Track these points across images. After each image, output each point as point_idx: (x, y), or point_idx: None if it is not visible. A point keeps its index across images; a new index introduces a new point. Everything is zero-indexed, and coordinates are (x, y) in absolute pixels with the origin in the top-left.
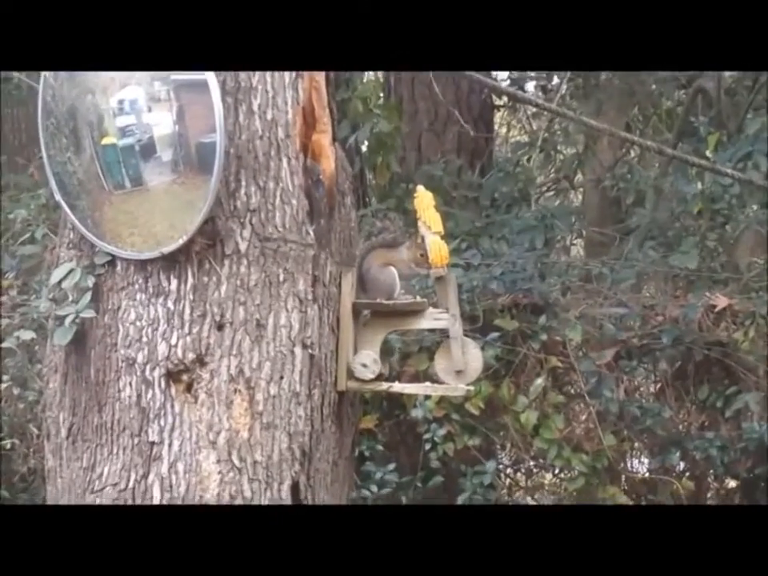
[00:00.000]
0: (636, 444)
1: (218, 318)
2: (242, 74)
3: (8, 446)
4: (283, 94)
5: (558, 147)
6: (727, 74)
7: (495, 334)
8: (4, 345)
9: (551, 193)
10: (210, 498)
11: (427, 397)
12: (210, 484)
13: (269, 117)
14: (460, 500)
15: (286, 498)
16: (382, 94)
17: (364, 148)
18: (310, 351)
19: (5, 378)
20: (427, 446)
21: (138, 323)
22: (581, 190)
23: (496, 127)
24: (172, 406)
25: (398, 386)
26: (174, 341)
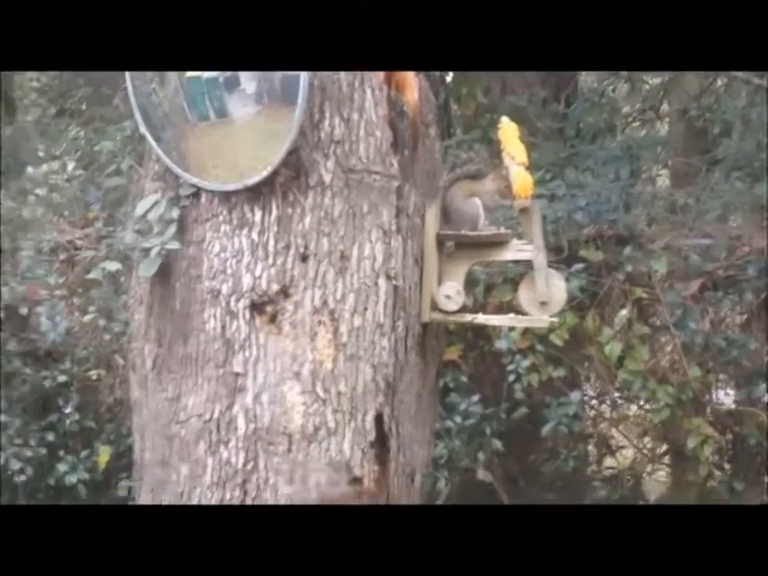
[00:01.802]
0: (721, 376)
1: (302, 250)
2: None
3: (94, 377)
4: None
5: (644, 77)
6: None
7: (580, 265)
8: (90, 276)
9: (637, 123)
10: (294, 428)
11: (511, 328)
12: (294, 415)
13: None
14: (545, 431)
15: (371, 429)
16: None
17: (449, 79)
18: (393, 282)
19: (91, 309)
20: (511, 378)
21: (222, 255)
22: (666, 120)
23: None
24: (256, 338)
25: (481, 318)
26: (258, 272)
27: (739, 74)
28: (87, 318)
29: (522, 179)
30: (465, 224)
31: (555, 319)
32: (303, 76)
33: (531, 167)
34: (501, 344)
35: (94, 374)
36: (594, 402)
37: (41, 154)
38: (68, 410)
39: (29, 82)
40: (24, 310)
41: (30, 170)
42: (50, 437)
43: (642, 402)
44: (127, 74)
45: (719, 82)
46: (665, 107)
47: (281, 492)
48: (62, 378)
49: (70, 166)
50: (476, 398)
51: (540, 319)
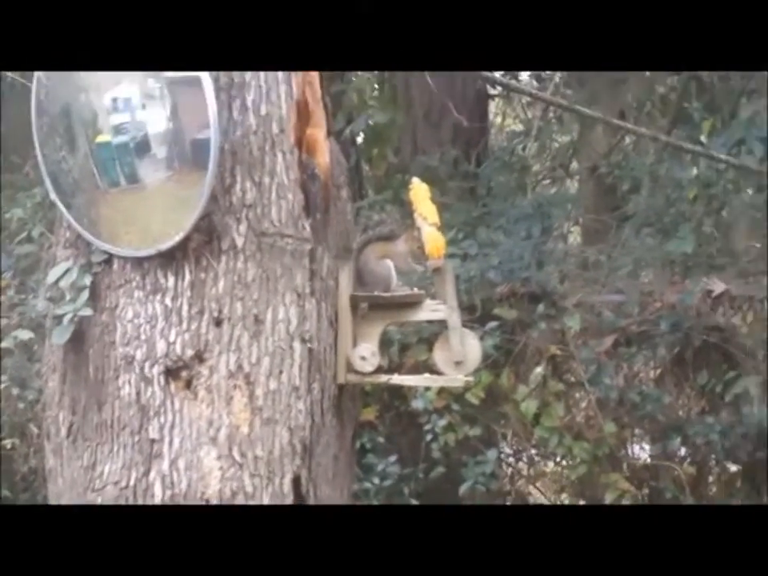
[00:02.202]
0: (637, 430)
1: (216, 314)
2: None
3: (8, 446)
4: (277, 89)
5: (553, 135)
6: None
7: (494, 324)
8: (2, 345)
9: (547, 181)
10: (212, 494)
11: (427, 388)
12: (212, 480)
13: (263, 112)
14: (462, 490)
15: (288, 493)
16: (376, 86)
17: (359, 140)
18: (308, 345)
19: (4, 377)
20: (428, 437)
21: (135, 321)
22: (576, 177)
23: (491, 117)
24: (172, 403)
25: (397, 378)
26: (172, 338)
27: (646, 131)
28: (1, 386)
29: (434, 239)
30: (378, 285)
31: (470, 378)
32: (213, 140)
33: (443, 227)
34: (417, 404)
35: (8, 443)
36: (510, 459)
37: None
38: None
39: None
40: None
41: None
42: None
43: (558, 459)
44: (36, 141)
45: (627, 140)
46: (574, 165)
47: None
48: None
49: None
50: (393, 458)
51: (455, 378)
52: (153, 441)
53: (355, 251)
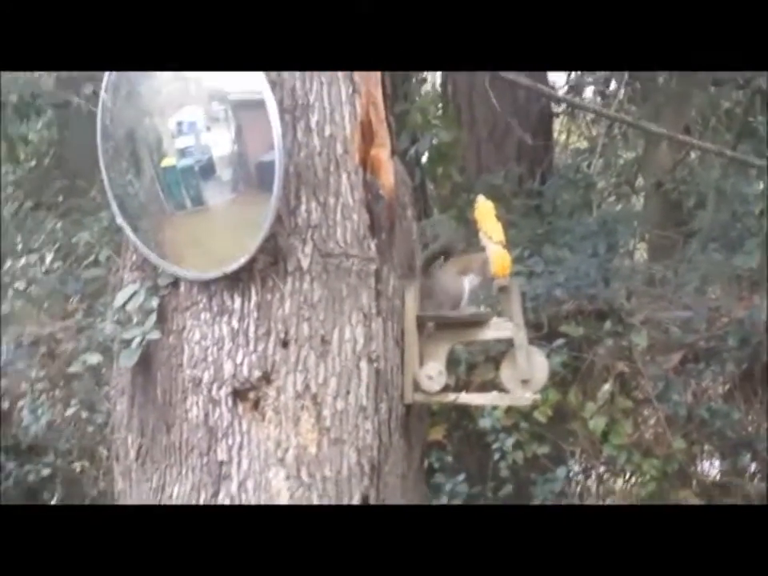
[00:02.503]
0: (706, 447)
1: (282, 335)
2: (299, 91)
3: (78, 469)
4: (340, 110)
5: (618, 152)
6: None
7: (561, 341)
8: (71, 369)
9: (612, 198)
10: None
11: (495, 406)
12: (280, 501)
13: (327, 133)
14: None
15: None
16: (440, 105)
17: (424, 159)
18: (375, 365)
19: (73, 401)
20: (496, 456)
21: (203, 343)
22: (642, 194)
23: (555, 134)
24: (240, 425)
25: (464, 397)
26: (239, 359)
27: (711, 146)
28: (69, 410)
29: (500, 258)
30: (447, 303)
31: (538, 396)
32: (278, 162)
33: (509, 245)
34: (485, 422)
35: (77, 466)
36: (579, 477)
37: (19, 247)
38: (52, 503)
39: (4, 176)
40: (5, 405)
41: (8, 263)
42: None
43: (627, 476)
44: (102, 165)
45: (692, 155)
46: (639, 181)
47: None
48: (45, 471)
49: (48, 258)
50: (461, 477)
51: (523, 397)
52: (221, 462)
53: (420, 268)
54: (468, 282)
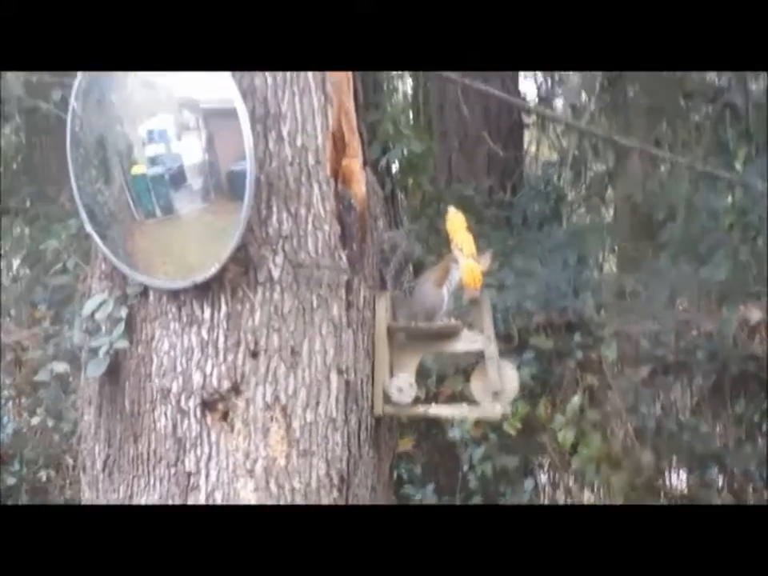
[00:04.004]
0: (674, 460)
1: (252, 346)
2: (271, 101)
3: (44, 478)
4: (312, 120)
5: (588, 164)
6: (754, 87)
7: (531, 353)
8: (38, 377)
9: (582, 210)
10: None
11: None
12: None
13: (298, 143)
14: None
15: None
16: (411, 115)
17: (395, 169)
18: (345, 376)
19: (39, 410)
20: (465, 467)
21: (171, 353)
22: (612, 206)
23: (525, 146)
24: (208, 436)
25: (434, 409)
26: (208, 370)
27: (681, 159)
28: (36, 419)
29: (470, 270)
30: (422, 314)
31: (508, 410)
32: (249, 171)
33: (480, 255)
34: (454, 433)
35: (43, 475)
36: (548, 489)
37: None
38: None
39: None
40: None
41: None
42: None
43: (596, 489)
44: (71, 173)
45: (662, 168)
46: (610, 193)
47: None
48: (10, 480)
49: (15, 265)
50: (430, 488)
51: (493, 409)
52: (189, 473)
53: (392, 278)
54: (447, 292)
